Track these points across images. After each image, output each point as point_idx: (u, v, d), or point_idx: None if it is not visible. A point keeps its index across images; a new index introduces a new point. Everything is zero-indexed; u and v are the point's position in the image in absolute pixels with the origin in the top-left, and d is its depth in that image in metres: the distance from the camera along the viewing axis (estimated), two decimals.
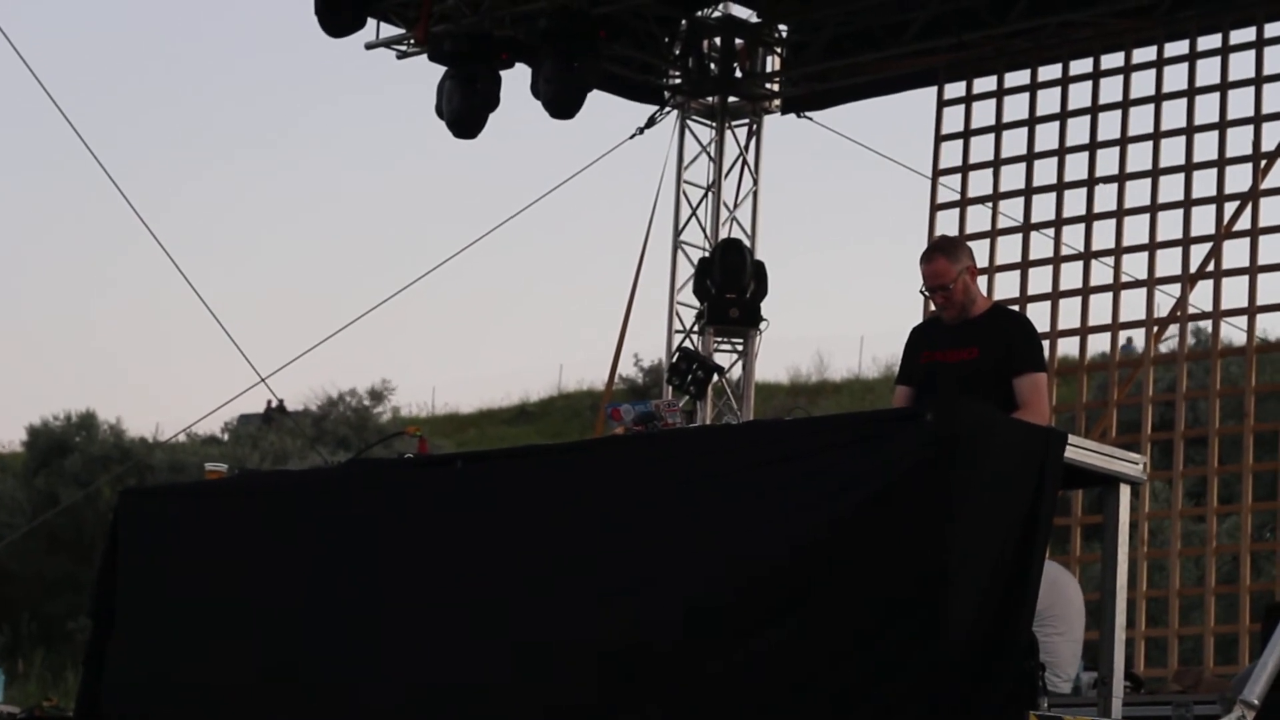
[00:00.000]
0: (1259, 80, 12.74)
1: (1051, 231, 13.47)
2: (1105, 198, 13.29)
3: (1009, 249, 13.61)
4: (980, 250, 12.81)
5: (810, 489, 6.38)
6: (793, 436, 6.71)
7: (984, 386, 7.62)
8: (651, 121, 14.93)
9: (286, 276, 60.53)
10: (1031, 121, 13.69)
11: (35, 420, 33.56)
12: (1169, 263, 12.92)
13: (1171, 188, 13.02)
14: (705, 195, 15.12)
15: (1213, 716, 7.45)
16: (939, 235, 12.37)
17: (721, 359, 14.90)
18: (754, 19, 14.77)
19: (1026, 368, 7.77)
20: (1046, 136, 13.62)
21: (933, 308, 8.21)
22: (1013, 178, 13.74)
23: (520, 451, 7.98)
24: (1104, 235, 13.22)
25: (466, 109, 13.65)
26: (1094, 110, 13.42)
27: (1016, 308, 12.31)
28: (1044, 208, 13.57)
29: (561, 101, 13.52)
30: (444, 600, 7.15)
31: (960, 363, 7.85)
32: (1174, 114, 13.10)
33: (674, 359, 14.28)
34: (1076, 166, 13.46)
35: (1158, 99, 13.15)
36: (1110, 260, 13.17)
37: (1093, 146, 13.40)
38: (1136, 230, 13.11)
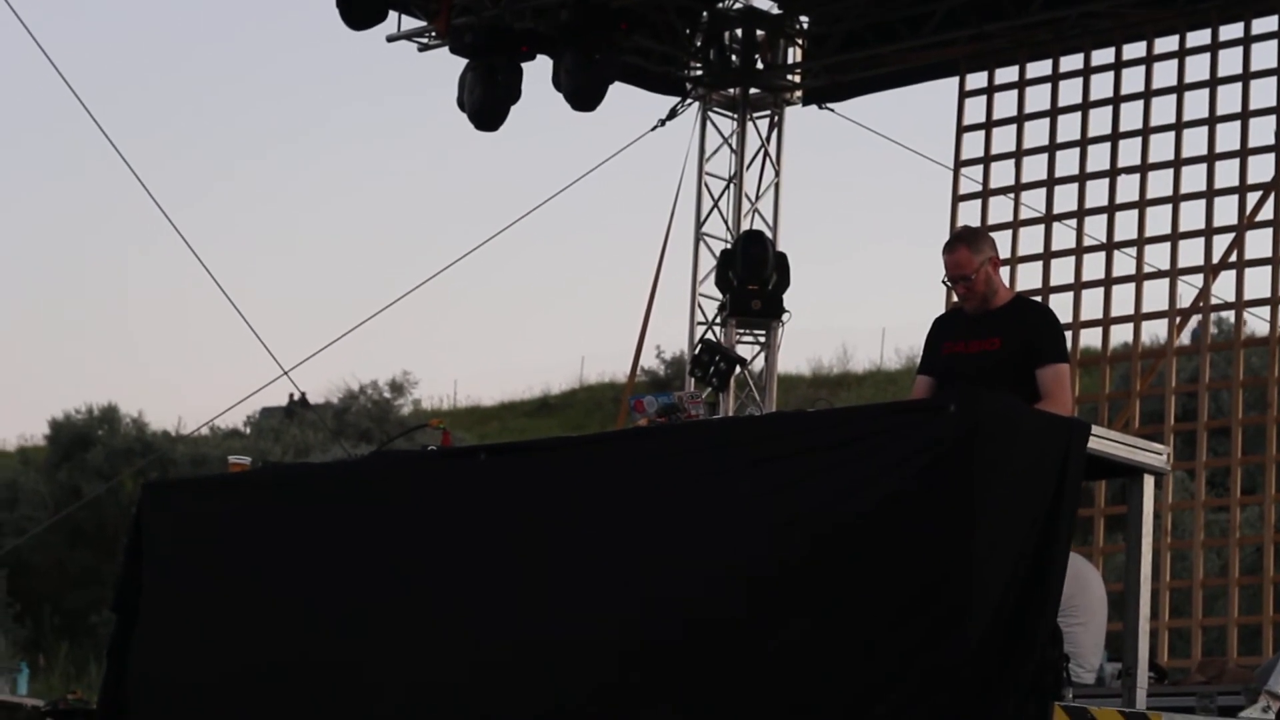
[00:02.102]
0: None
1: (1073, 222, 13.45)
2: (1127, 188, 13.28)
3: (1031, 240, 13.62)
4: (1002, 241, 12.81)
5: (834, 480, 6.38)
6: (816, 428, 6.70)
7: (1005, 377, 7.59)
8: (673, 113, 14.94)
9: (309, 270, 60.54)
10: (1053, 112, 13.67)
11: (58, 414, 33.66)
12: (1191, 253, 12.92)
13: (1194, 178, 13.03)
14: (727, 187, 15.11)
15: (1237, 707, 7.46)
16: (961, 225, 12.35)
17: (744, 350, 14.88)
18: (775, 10, 14.76)
19: (1049, 359, 7.74)
20: (1068, 127, 13.62)
21: (955, 298, 8.19)
22: (1035, 169, 13.73)
23: (543, 444, 7.98)
24: (1126, 226, 13.23)
25: (488, 101, 13.67)
26: (1116, 101, 13.39)
27: (1039, 298, 12.30)
28: (1066, 199, 13.56)
29: (583, 94, 13.54)
30: (470, 591, 7.15)
31: (982, 353, 7.82)
32: (1196, 104, 13.09)
33: (696, 351, 14.27)
34: (1098, 157, 13.45)
35: (1179, 89, 13.13)
36: (1132, 251, 13.16)
37: (1115, 137, 13.38)
38: (1159, 221, 13.11)
